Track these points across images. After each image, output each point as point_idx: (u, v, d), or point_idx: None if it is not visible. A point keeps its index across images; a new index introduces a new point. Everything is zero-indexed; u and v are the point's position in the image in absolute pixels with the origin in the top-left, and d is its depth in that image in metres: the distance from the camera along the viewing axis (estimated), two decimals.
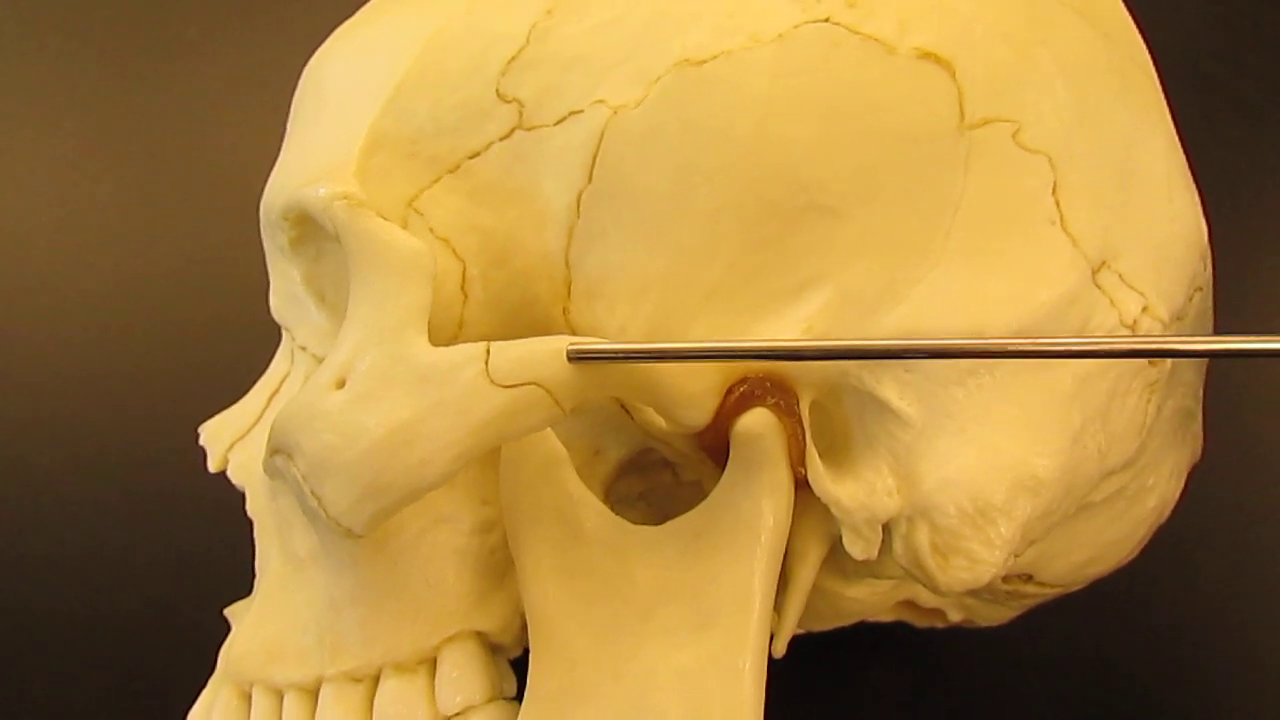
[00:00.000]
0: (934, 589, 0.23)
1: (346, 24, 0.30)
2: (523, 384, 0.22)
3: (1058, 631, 0.38)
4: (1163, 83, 0.29)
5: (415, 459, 0.22)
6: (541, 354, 0.22)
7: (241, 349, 0.34)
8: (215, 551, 0.33)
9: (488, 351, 0.22)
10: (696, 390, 0.23)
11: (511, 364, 0.22)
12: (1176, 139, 0.29)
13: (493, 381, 0.22)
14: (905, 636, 0.36)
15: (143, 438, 0.43)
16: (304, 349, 0.29)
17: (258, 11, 0.56)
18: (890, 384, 0.23)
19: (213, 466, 0.31)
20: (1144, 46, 0.29)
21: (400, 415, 0.22)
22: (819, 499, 0.24)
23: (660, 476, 0.29)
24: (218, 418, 0.32)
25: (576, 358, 0.22)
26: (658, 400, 0.23)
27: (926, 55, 0.24)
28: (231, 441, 0.31)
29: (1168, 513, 0.29)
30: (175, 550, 0.41)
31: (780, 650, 0.26)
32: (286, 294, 0.30)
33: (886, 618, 0.34)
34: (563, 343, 0.22)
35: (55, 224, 0.49)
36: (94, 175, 0.51)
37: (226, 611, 0.30)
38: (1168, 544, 0.30)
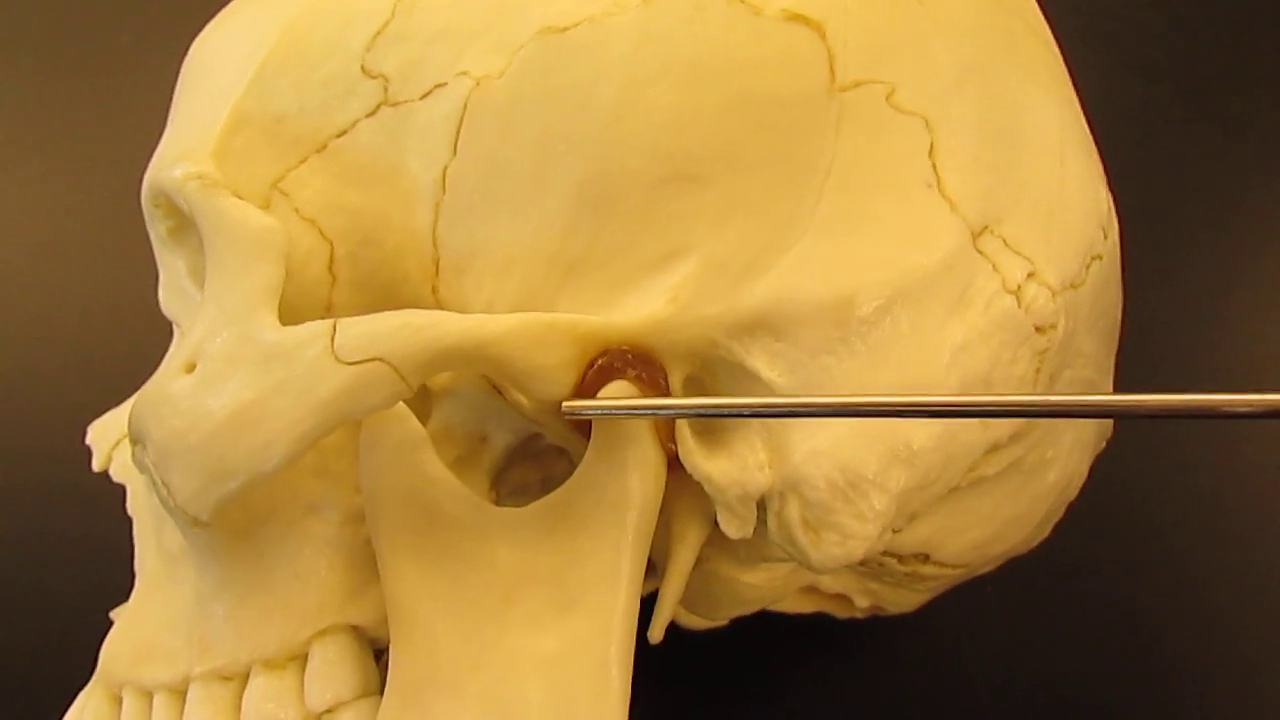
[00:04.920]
0: (808, 566, 0.22)
1: (228, 7, 0.30)
2: (367, 360, 0.21)
3: (989, 620, 0.37)
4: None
5: (259, 441, 0.21)
6: (385, 329, 0.21)
7: (136, 346, 0.33)
8: (108, 552, 0.32)
9: (334, 328, 0.22)
10: (549, 363, 0.22)
11: (356, 340, 0.21)
12: (1077, 105, 0.28)
13: (337, 358, 0.21)
14: (830, 629, 0.35)
15: (32, 437, 0.42)
16: None
17: (195, 20, 0.55)
18: (760, 354, 0.22)
19: (97, 465, 0.30)
20: (1038, 9, 0.28)
21: (244, 396, 0.22)
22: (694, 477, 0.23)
23: (556, 464, 0.28)
24: (105, 417, 0.31)
25: None
26: (510, 374, 0.22)
27: (795, 17, 0.23)
28: (116, 440, 0.30)
29: (1075, 490, 0.28)
30: (65, 551, 0.40)
31: (657, 637, 0.25)
32: (174, 287, 0.29)
33: (805, 609, 0.33)
34: (409, 317, 0.22)
35: None
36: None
37: (112, 614, 0.29)
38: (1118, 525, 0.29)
